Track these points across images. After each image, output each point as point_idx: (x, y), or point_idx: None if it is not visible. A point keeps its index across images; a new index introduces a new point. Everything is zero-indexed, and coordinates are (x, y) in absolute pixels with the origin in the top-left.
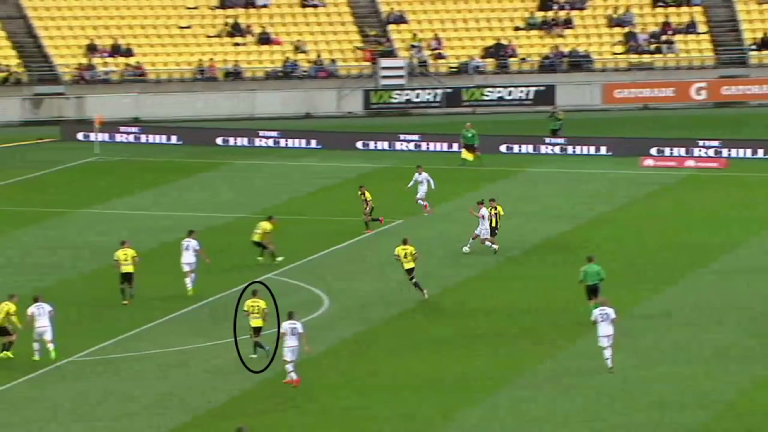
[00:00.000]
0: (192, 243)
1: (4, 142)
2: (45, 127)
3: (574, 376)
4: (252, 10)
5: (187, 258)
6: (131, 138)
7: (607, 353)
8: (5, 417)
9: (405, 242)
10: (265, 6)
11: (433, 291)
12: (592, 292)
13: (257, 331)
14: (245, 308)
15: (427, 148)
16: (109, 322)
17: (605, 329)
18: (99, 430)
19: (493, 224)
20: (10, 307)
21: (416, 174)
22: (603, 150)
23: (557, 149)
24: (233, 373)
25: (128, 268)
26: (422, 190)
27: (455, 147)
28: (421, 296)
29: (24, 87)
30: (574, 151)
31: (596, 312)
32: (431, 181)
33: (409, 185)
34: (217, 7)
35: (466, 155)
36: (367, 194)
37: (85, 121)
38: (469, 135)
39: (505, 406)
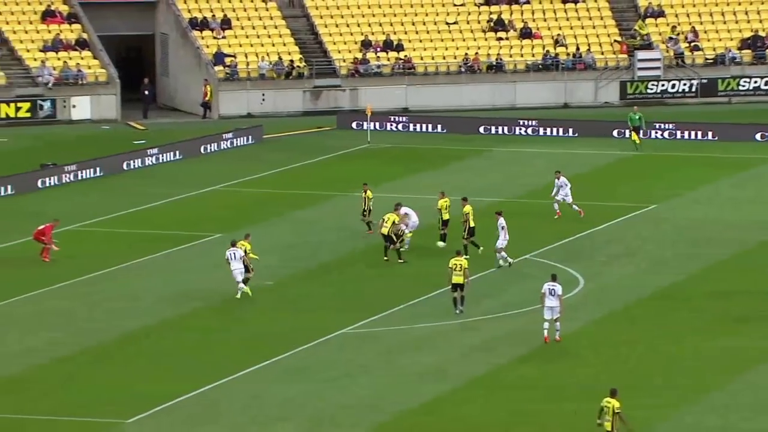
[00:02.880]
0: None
1: (288, 131)
2: (323, 117)
3: None
4: (515, 6)
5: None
6: (400, 127)
7: None
8: (277, 388)
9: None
10: (527, 2)
11: (681, 276)
12: None
13: (458, 287)
14: (450, 265)
15: (682, 136)
16: (374, 298)
17: None
18: (364, 398)
19: (471, 225)
20: (246, 245)
21: (555, 180)
22: None
23: None
24: (488, 349)
25: (384, 230)
26: (564, 193)
27: (710, 135)
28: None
29: (305, 80)
30: None
31: None
32: (569, 184)
33: (552, 193)
34: (482, 4)
35: (635, 137)
36: (369, 193)
37: (359, 111)
38: (636, 117)
39: (747, 388)
